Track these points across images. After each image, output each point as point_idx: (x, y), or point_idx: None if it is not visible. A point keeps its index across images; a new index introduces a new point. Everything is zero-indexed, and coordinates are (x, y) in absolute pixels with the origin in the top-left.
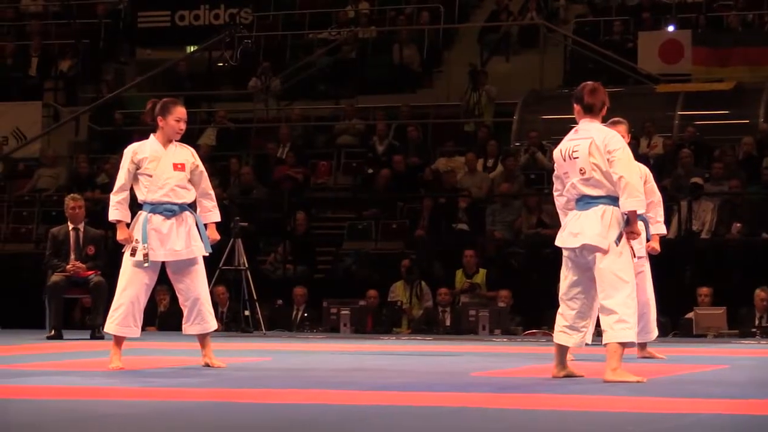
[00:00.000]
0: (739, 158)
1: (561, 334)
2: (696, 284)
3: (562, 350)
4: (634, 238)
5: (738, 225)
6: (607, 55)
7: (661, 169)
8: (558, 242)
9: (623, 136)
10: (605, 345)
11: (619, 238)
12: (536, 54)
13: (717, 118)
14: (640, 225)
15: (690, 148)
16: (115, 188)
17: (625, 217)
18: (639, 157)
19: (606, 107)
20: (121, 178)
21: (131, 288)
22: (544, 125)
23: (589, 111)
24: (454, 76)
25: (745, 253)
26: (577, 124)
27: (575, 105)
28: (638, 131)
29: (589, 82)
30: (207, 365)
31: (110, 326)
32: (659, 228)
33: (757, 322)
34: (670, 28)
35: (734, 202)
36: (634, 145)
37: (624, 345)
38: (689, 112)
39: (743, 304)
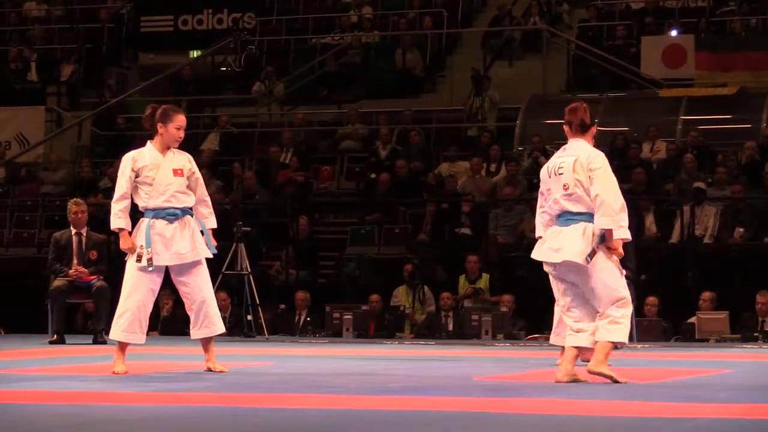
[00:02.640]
0: (741, 163)
1: (569, 338)
2: (698, 289)
3: (570, 354)
4: (619, 255)
5: (740, 230)
6: (611, 60)
7: (664, 173)
8: (537, 256)
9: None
10: (596, 342)
11: (591, 255)
12: (539, 59)
13: (720, 123)
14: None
15: (693, 152)
16: (116, 196)
17: (602, 233)
18: (641, 162)
19: (592, 126)
20: (122, 186)
21: (136, 294)
22: (547, 130)
23: (570, 128)
24: (457, 80)
25: (748, 258)
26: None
27: (564, 125)
28: (641, 136)
29: (574, 102)
30: (209, 370)
31: (115, 333)
32: (623, 232)
33: (759, 326)
34: (673, 33)
35: (737, 206)
36: (635, 150)
37: (614, 344)
38: (692, 116)
39: (745, 308)
